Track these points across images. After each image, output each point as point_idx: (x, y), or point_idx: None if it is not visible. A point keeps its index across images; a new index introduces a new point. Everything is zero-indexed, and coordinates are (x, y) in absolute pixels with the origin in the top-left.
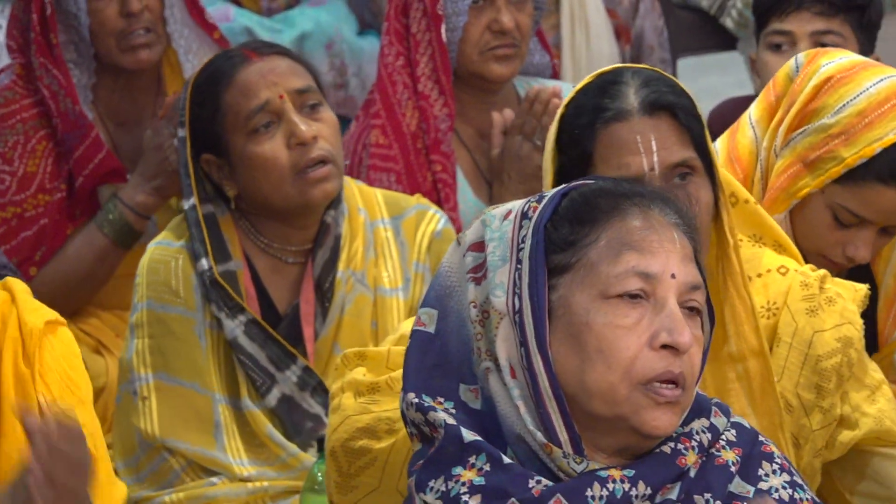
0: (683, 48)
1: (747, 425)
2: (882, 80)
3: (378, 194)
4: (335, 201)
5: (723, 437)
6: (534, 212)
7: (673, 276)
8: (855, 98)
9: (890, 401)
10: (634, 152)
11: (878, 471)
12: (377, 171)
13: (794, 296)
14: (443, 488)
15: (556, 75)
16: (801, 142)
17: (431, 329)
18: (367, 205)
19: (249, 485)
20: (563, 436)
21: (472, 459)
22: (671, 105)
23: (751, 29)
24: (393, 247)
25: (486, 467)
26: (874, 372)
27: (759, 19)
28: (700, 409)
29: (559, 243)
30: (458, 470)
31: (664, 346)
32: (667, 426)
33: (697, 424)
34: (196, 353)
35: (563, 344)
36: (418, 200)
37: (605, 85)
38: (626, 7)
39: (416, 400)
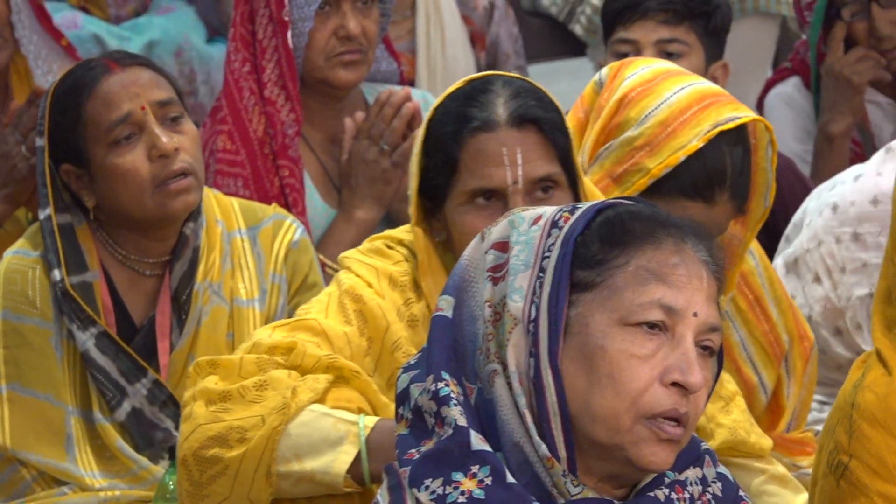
0: (533, 55)
1: (731, 478)
2: (682, 88)
3: (235, 204)
4: (194, 213)
5: (709, 488)
6: (565, 222)
7: (695, 314)
8: (656, 109)
9: (744, 412)
10: (499, 164)
11: None
12: (224, 176)
13: None
14: (440, 491)
15: (403, 82)
16: (607, 157)
17: (449, 314)
18: (224, 215)
19: (101, 494)
20: (561, 453)
21: (474, 469)
22: (538, 119)
23: (600, 35)
24: (250, 258)
25: (488, 481)
26: (728, 383)
27: (606, 27)
28: (695, 456)
29: (586, 260)
30: (458, 476)
31: (674, 384)
32: (663, 462)
33: (692, 474)
34: (52, 364)
35: (574, 362)
36: (275, 210)
37: (474, 93)
38: (481, 14)
39: (435, 387)
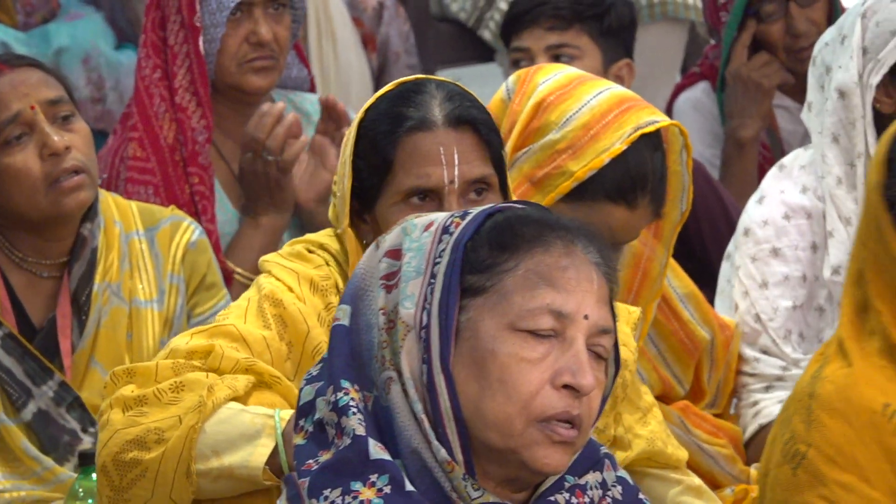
0: (442, 60)
1: (630, 481)
2: (601, 92)
3: (133, 206)
4: (91, 214)
5: (609, 492)
6: (456, 227)
7: (586, 317)
8: (577, 112)
9: (661, 423)
10: (436, 163)
11: (648, 491)
12: (135, 184)
13: None
14: (339, 501)
15: (313, 89)
16: (526, 161)
17: (347, 323)
18: (122, 216)
19: (6, 495)
20: (458, 458)
21: (373, 478)
22: (474, 120)
23: None
24: (148, 259)
25: (387, 490)
26: (646, 395)
27: (503, 37)
28: (595, 460)
29: (476, 265)
30: (357, 486)
31: (566, 386)
32: (557, 465)
33: (592, 478)
34: None
35: (466, 367)
36: (172, 212)
37: (408, 94)
38: (371, 15)
39: (335, 398)
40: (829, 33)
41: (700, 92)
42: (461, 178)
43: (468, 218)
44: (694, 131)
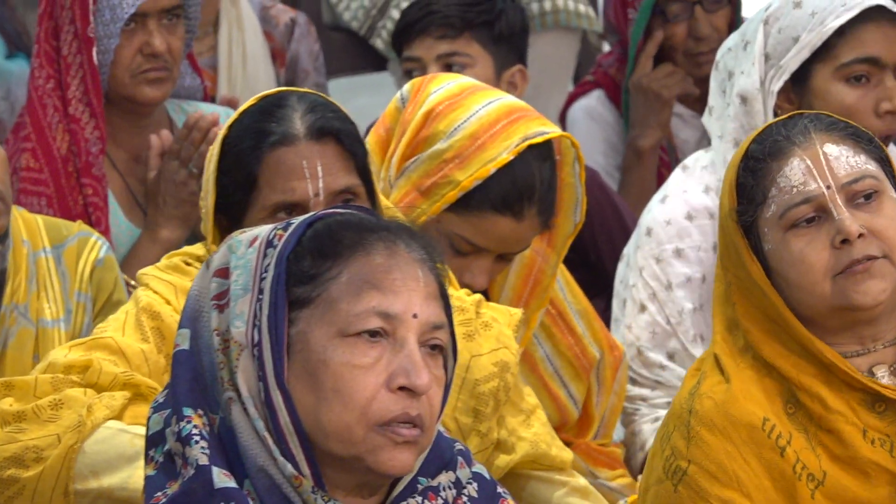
0: (335, 69)
1: (487, 476)
2: (491, 102)
3: (40, 221)
4: (2, 236)
5: (465, 490)
6: (279, 240)
7: (415, 315)
8: (465, 122)
9: (544, 425)
10: (300, 177)
11: (533, 493)
12: (28, 194)
13: None
14: None
15: (207, 97)
16: (415, 170)
17: (187, 347)
18: (29, 234)
19: None
20: (305, 471)
21: None
22: (337, 131)
23: None
24: (55, 277)
25: None
26: (529, 397)
27: (395, 47)
28: (446, 459)
29: (300, 276)
30: None
31: (402, 388)
32: (404, 465)
33: (444, 479)
34: None
35: (301, 380)
36: (80, 227)
37: (270, 108)
38: (283, 30)
39: (178, 428)
40: (733, 39)
41: (595, 100)
42: (326, 190)
43: (290, 229)
44: (589, 140)
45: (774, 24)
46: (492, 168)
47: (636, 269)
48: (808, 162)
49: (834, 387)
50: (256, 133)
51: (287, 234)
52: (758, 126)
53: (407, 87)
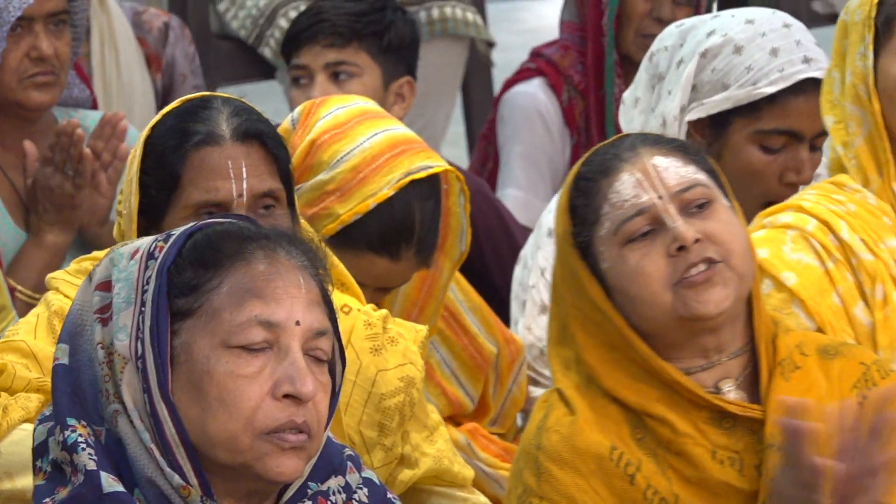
0: (223, 78)
1: (377, 481)
2: (376, 134)
3: None
4: None
5: (355, 495)
6: (159, 251)
7: (297, 323)
8: (349, 153)
9: (447, 441)
10: (225, 177)
11: None
12: None
13: (357, 334)
14: None
15: (95, 107)
16: (298, 199)
17: (66, 361)
18: None
19: None
20: (192, 481)
21: None
22: (262, 134)
23: None
24: None
25: None
26: (433, 413)
27: (284, 55)
28: (335, 465)
29: (182, 287)
30: None
31: (287, 396)
32: (292, 471)
33: (334, 483)
34: None
35: (185, 391)
36: None
37: (195, 109)
38: (156, 35)
39: (63, 437)
40: (671, 38)
41: (535, 87)
42: (249, 192)
43: (170, 240)
44: (526, 126)
45: (711, 61)
46: (372, 203)
47: (537, 270)
48: (638, 175)
49: (680, 409)
50: (181, 133)
51: (168, 245)
52: None
53: (298, 109)
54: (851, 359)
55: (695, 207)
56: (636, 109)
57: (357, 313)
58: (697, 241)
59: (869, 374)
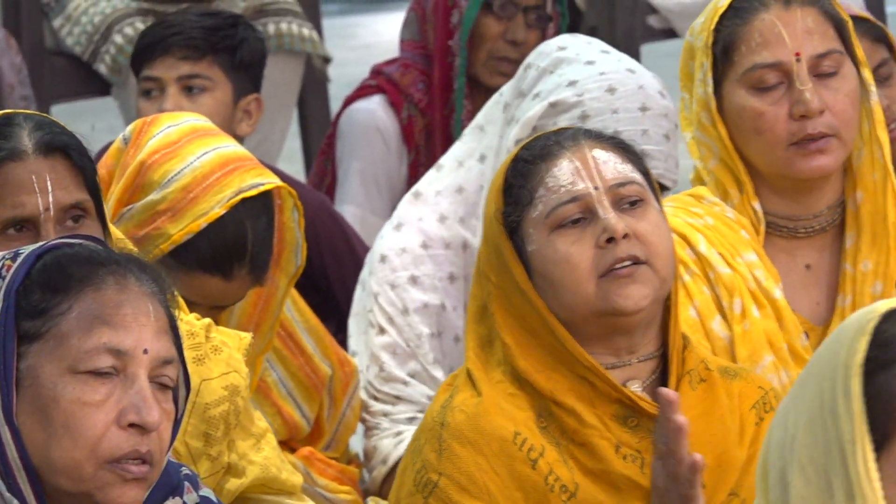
0: (58, 94)
1: (214, 499)
2: (207, 152)
3: None
4: None
5: None
6: (7, 271)
7: (146, 351)
8: (179, 173)
9: (274, 448)
10: (30, 192)
11: None
12: None
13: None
14: None
15: None
16: (130, 218)
17: None
18: None
19: None
20: None
21: None
22: (66, 146)
23: (125, 75)
24: None
25: None
26: (259, 420)
27: (134, 67)
28: (173, 485)
29: (30, 310)
30: None
31: (132, 425)
32: (133, 501)
33: None
34: None
35: (30, 416)
36: None
37: None
38: None
39: None
40: (547, 60)
41: (375, 104)
42: (56, 205)
43: (18, 260)
44: (364, 142)
45: (556, 116)
46: (203, 222)
47: (372, 295)
48: (577, 163)
49: (589, 401)
50: None
51: (16, 265)
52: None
53: (130, 127)
54: (750, 382)
55: (627, 204)
56: (485, 133)
57: (180, 324)
58: (626, 236)
59: (766, 398)
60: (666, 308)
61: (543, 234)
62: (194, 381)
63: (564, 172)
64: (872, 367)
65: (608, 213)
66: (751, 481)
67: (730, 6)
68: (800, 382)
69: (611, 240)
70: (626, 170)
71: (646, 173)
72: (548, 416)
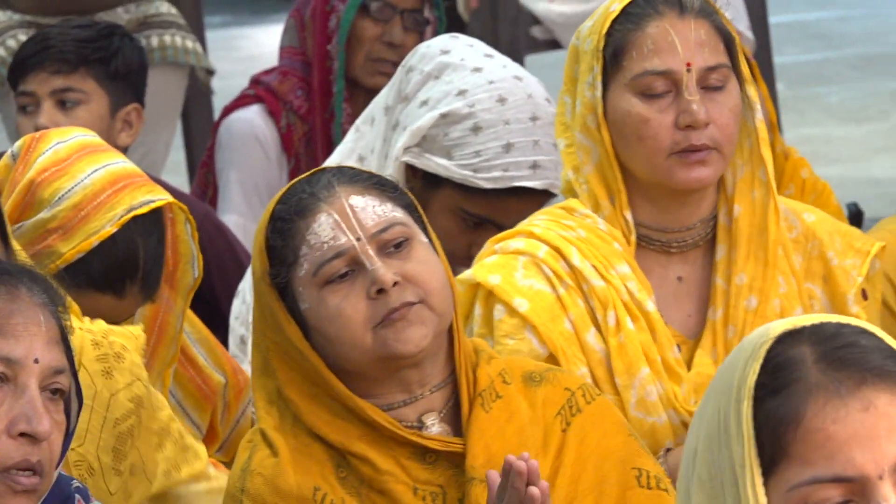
0: None
1: None
2: (97, 169)
3: None
4: None
5: None
6: None
7: (36, 360)
8: (70, 191)
9: (175, 442)
10: None
11: None
12: None
13: (87, 356)
14: None
15: None
16: (20, 237)
17: None
18: None
19: None
20: None
21: None
22: None
23: (7, 87)
24: None
25: None
26: (159, 410)
27: (11, 82)
28: (64, 497)
29: None
30: None
31: (23, 434)
32: None
33: None
34: None
35: None
36: None
37: None
38: None
39: None
40: (431, 64)
41: (253, 113)
42: None
43: None
44: (244, 151)
45: (447, 127)
46: (94, 241)
47: (245, 302)
48: (336, 216)
49: (381, 446)
50: None
51: None
52: None
53: (18, 143)
54: (557, 385)
55: (392, 247)
56: (373, 127)
57: (81, 332)
58: (396, 283)
59: (573, 399)
60: (451, 333)
61: (314, 291)
62: (104, 396)
63: (324, 228)
64: (762, 393)
65: (375, 264)
66: (559, 494)
67: (623, 11)
68: (705, 396)
69: (381, 290)
70: (387, 210)
71: (408, 205)
72: (346, 466)
